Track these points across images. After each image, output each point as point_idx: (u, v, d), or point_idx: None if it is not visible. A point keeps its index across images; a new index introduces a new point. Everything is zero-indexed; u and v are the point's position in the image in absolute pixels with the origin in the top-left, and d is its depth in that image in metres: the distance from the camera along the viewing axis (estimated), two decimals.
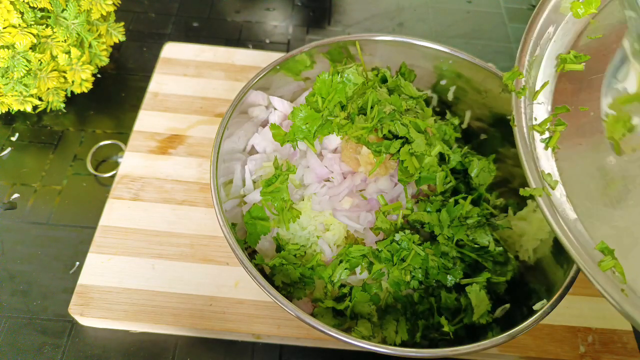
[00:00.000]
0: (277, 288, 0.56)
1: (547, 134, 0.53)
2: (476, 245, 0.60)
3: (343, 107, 0.64)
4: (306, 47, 0.69)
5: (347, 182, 0.63)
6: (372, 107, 0.61)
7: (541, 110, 0.54)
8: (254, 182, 0.67)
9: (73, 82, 0.80)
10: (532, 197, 0.66)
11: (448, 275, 0.60)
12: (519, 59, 0.55)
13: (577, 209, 0.49)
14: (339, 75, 0.64)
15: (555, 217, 0.48)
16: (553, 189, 0.49)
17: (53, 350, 0.62)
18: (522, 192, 0.50)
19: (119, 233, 0.69)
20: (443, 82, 0.75)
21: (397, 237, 0.59)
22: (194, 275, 0.67)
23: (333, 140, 0.65)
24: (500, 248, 0.62)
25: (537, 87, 0.55)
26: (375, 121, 0.60)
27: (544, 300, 0.54)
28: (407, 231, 0.60)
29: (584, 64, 0.53)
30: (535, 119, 0.53)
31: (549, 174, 0.50)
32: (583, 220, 0.48)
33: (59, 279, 0.67)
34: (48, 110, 0.84)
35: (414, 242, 0.59)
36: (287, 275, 0.59)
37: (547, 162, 0.51)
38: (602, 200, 0.49)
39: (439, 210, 0.62)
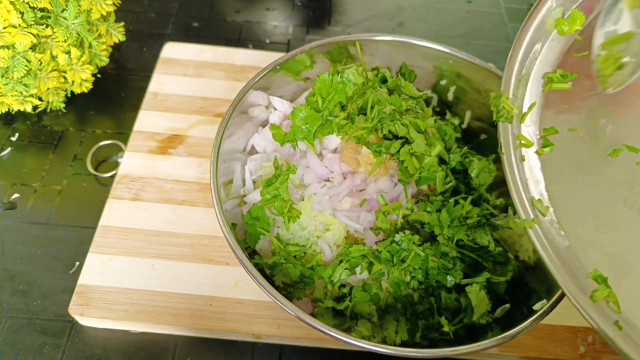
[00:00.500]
0: (277, 288, 0.56)
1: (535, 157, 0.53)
2: (476, 245, 0.60)
3: (343, 107, 0.64)
4: (306, 47, 0.69)
5: (347, 182, 0.63)
6: (372, 107, 0.61)
7: (529, 133, 0.54)
8: (254, 182, 0.67)
9: (73, 82, 0.80)
10: None
11: (448, 276, 0.60)
12: (504, 82, 0.55)
13: (569, 235, 0.48)
14: (339, 75, 0.64)
15: (545, 248, 0.47)
16: (544, 215, 0.49)
17: (53, 350, 0.62)
18: (512, 224, 0.50)
19: (119, 233, 0.69)
20: (443, 82, 0.75)
21: (397, 237, 0.59)
22: (194, 275, 0.67)
23: (333, 140, 0.65)
24: (500, 248, 0.62)
25: (525, 109, 0.54)
26: (375, 121, 0.60)
27: (544, 300, 0.54)
28: (407, 231, 0.60)
29: (571, 82, 0.53)
30: (524, 143, 0.53)
31: (539, 200, 0.50)
32: (575, 247, 0.47)
33: (59, 279, 0.67)
34: (48, 110, 0.84)
35: (413, 243, 0.59)
36: (287, 275, 0.59)
37: (536, 187, 0.51)
38: (593, 224, 0.48)
39: (439, 211, 0.62)
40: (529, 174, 0.52)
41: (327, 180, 0.64)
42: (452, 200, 0.62)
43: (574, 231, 0.48)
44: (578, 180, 0.51)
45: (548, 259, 0.47)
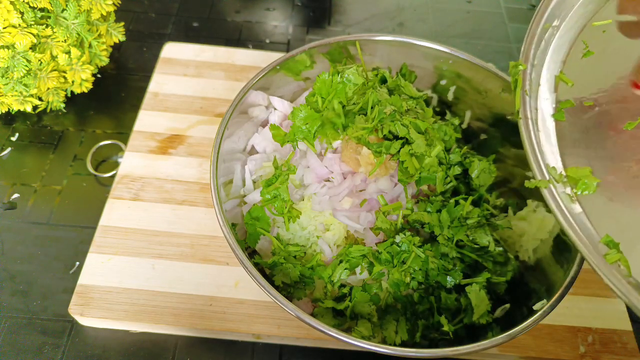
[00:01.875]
0: (277, 288, 0.56)
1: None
2: (476, 246, 0.60)
3: (343, 107, 0.64)
4: (306, 47, 0.69)
5: (347, 182, 0.63)
6: (372, 108, 0.61)
7: (546, 105, 0.54)
8: (254, 182, 0.67)
9: (73, 82, 0.80)
10: (532, 196, 0.66)
11: (448, 277, 0.60)
12: (524, 51, 0.55)
13: (582, 203, 0.49)
14: (339, 76, 0.64)
15: (560, 208, 0.48)
16: (557, 182, 0.50)
17: (53, 350, 0.62)
18: (527, 184, 0.50)
19: (119, 233, 0.69)
20: (443, 82, 0.75)
21: (398, 239, 0.59)
22: (194, 275, 0.67)
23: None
24: (500, 248, 0.62)
25: (543, 80, 0.55)
26: (375, 122, 0.60)
27: (544, 300, 0.54)
28: (408, 233, 0.60)
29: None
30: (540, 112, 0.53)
31: (553, 167, 0.50)
32: (588, 214, 0.48)
33: (59, 279, 0.67)
34: (48, 110, 0.84)
35: (414, 245, 0.59)
36: (287, 275, 0.59)
37: (552, 156, 0.52)
38: (605, 195, 0.49)
39: (439, 211, 0.62)
40: (545, 146, 0.52)
41: (327, 180, 0.64)
42: (452, 200, 0.62)
43: (588, 199, 0.49)
44: (592, 151, 0.51)
45: (562, 219, 0.47)
